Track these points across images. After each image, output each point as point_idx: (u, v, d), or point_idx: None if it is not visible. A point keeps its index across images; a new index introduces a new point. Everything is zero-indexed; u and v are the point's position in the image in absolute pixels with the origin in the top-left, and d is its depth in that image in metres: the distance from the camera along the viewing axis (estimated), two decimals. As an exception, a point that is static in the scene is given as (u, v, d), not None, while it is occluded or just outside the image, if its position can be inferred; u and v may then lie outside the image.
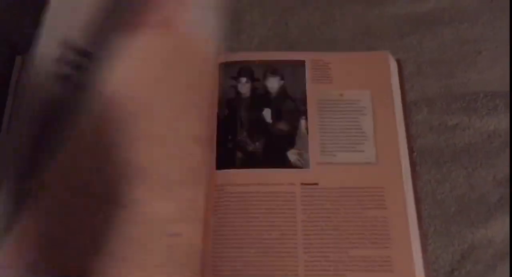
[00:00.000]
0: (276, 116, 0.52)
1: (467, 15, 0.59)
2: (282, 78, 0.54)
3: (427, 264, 0.46)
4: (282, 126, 0.52)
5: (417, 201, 0.49)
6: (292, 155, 0.50)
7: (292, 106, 0.52)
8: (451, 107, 0.54)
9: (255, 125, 0.52)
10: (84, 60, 0.48)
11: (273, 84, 0.53)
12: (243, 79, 0.54)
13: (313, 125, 0.51)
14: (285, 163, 0.50)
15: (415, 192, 0.49)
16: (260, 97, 0.53)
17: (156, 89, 0.49)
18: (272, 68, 0.54)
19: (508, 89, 0.54)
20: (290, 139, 0.51)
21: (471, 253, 0.47)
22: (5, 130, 0.51)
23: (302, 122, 0.51)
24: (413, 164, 0.51)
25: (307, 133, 0.51)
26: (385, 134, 0.51)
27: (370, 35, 0.58)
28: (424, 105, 0.54)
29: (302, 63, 0.54)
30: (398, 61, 0.56)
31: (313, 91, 0.53)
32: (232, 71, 0.54)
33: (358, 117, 0.52)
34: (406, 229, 0.47)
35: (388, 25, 0.59)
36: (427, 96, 0.54)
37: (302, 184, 0.49)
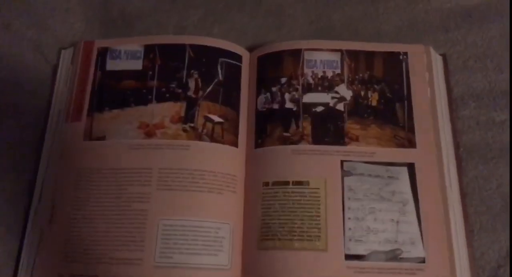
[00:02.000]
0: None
1: (514, 10, 0.58)
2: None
3: (473, 260, 0.46)
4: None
5: (463, 197, 0.49)
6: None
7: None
8: (498, 102, 0.53)
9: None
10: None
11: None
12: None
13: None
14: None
15: (461, 188, 0.49)
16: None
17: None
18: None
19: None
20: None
21: (518, 249, 0.47)
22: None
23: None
24: (459, 160, 0.51)
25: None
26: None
27: (414, 29, 0.58)
28: (471, 100, 0.54)
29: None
30: (443, 56, 0.55)
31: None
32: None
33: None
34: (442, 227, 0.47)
35: (433, 19, 0.58)
36: (474, 92, 0.54)
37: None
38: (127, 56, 0.54)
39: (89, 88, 0.53)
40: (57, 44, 0.57)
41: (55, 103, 0.53)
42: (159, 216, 0.46)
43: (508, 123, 0.52)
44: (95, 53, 0.55)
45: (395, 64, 0.54)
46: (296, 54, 0.54)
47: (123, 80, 0.53)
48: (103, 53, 0.55)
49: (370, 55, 0.54)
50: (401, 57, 0.54)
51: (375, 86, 0.53)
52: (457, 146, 0.51)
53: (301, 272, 0.45)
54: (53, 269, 0.46)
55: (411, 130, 0.51)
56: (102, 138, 0.50)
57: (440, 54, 0.55)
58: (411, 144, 0.50)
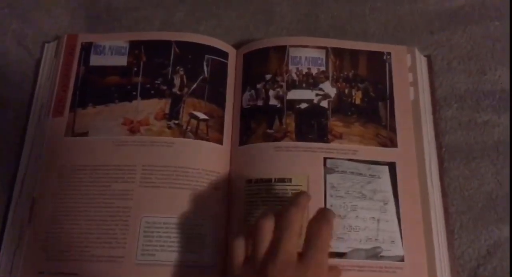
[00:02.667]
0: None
1: (498, 12, 0.59)
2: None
3: (453, 259, 0.47)
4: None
5: (444, 196, 0.49)
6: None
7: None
8: (481, 104, 0.54)
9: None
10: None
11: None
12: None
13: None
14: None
15: (442, 188, 0.50)
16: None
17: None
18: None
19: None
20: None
21: (498, 249, 0.48)
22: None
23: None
24: (441, 160, 0.51)
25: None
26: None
27: (400, 31, 0.58)
28: (453, 101, 0.54)
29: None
30: (428, 57, 0.56)
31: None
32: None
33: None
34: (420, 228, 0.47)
35: (419, 21, 0.59)
36: (457, 93, 0.55)
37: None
38: (112, 51, 0.54)
39: (72, 83, 0.53)
40: (41, 37, 0.57)
41: (37, 97, 0.53)
42: (142, 213, 0.46)
43: (490, 123, 0.53)
44: (78, 47, 0.54)
45: (379, 63, 0.54)
46: (281, 50, 0.54)
47: (107, 76, 0.53)
48: (87, 48, 0.54)
49: (355, 53, 0.55)
50: (384, 57, 0.54)
51: (359, 84, 0.53)
52: (439, 146, 0.52)
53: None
54: (33, 267, 0.45)
55: (393, 129, 0.51)
56: (85, 134, 0.50)
57: (425, 56, 0.56)
58: (393, 143, 0.51)
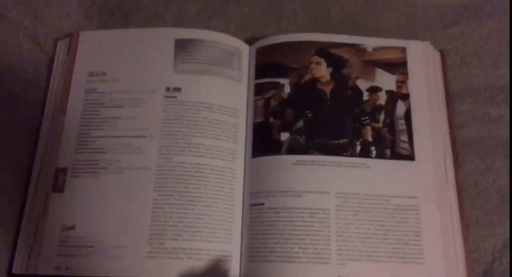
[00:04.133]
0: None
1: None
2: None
3: (468, 253, 0.47)
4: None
5: (459, 191, 0.49)
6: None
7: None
8: (495, 98, 0.54)
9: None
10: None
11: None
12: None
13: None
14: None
15: (457, 182, 0.50)
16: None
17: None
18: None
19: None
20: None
21: (513, 243, 0.48)
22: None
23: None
24: (455, 154, 0.51)
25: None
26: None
27: (413, 25, 0.58)
28: (468, 95, 0.54)
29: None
30: (441, 52, 0.56)
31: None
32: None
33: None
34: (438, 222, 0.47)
35: (431, 15, 0.59)
36: (471, 87, 0.54)
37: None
38: (125, 49, 0.54)
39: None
40: (54, 34, 0.56)
41: (51, 95, 0.53)
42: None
43: (505, 118, 0.53)
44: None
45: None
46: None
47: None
48: (101, 45, 0.54)
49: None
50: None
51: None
52: (453, 141, 0.52)
53: None
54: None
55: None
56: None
57: (438, 50, 0.56)
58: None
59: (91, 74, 0.52)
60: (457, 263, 0.46)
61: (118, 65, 0.53)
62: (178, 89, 0.51)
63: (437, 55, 0.55)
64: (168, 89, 0.51)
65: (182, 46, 0.53)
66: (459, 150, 0.52)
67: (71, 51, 0.54)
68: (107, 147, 0.49)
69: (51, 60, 0.55)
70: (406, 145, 0.50)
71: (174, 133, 0.49)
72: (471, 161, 0.51)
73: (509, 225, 0.48)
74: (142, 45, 0.53)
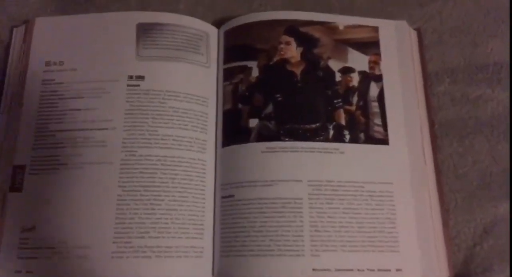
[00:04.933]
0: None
1: (489, -17, 0.56)
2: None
3: (448, 239, 0.46)
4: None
5: (438, 175, 0.48)
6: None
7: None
8: (473, 78, 0.52)
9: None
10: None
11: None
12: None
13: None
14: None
15: (436, 166, 0.48)
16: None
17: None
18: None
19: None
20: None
21: (493, 227, 0.46)
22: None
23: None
24: (433, 137, 0.49)
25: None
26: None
27: (389, 3, 0.56)
28: (445, 76, 0.52)
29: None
30: (418, 30, 0.53)
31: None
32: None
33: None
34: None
35: (408, -8, 0.56)
36: (448, 67, 0.52)
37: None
38: (85, 34, 0.51)
39: (43, 69, 0.49)
40: (10, 22, 0.53)
41: (7, 87, 0.49)
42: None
43: (484, 98, 0.51)
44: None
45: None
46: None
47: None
48: (59, 31, 0.51)
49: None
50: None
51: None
52: (431, 123, 0.50)
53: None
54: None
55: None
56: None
57: (415, 29, 0.54)
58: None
59: (48, 63, 0.49)
60: (437, 249, 0.45)
61: (77, 53, 0.49)
62: (141, 77, 0.48)
63: (413, 34, 0.53)
64: (130, 77, 0.48)
65: (144, 31, 0.50)
66: (437, 132, 0.50)
67: (27, 39, 0.50)
68: (67, 142, 0.46)
69: (7, 49, 0.51)
70: (380, 129, 0.48)
71: (138, 124, 0.46)
72: (450, 143, 0.49)
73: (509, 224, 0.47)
74: (102, 31, 0.50)
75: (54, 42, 0.50)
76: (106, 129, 0.46)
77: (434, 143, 0.49)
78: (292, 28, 0.51)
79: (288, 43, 0.50)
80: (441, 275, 0.44)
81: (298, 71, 0.49)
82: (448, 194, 0.48)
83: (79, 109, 0.47)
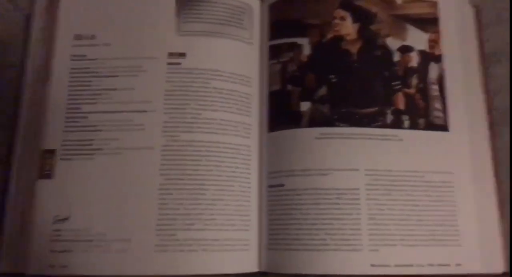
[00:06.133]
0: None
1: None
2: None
3: (505, 232, 0.43)
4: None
5: (496, 164, 0.45)
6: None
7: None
8: (534, 60, 0.48)
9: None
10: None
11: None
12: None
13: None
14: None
15: (494, 153, 0.45)
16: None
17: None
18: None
19: None
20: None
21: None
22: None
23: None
24: (492, 123, 0.46)
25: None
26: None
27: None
28: (504, 57, 0.48)
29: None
30: (477, 7, 0.49)
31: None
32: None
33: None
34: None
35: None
36: (507, 48, 0.49)
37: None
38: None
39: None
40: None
41: (30, 63, 0.45)
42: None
43: (545, 82, 0.47)
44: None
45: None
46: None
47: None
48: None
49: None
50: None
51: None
52: (489, 108, 0.46)
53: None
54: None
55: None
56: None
57: (473, 6, 0.49)
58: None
59: (77, 37, 0.44)
60: (494, 242, 0.42)
61: (110, 26, 0.45)
62: (182, 55, 0.43)
63: (471, 11, 0.49)
64: (171, 54, 0.43)
65: (184, 3, 0.45)
66: (495, 119, 0.47)
67: (52, 9, 0.45)
68: (101, 125, 0.42)
69: (28, 19, 0.46)
70: (440, 114, 0.45)
71: (180, 106, 0.42)
72: (508, 131, 0.46)
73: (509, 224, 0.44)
74: (139, 3, 0.45)
75: (84, 14, 0.45)
76: (145, 111, 0.42)
77: (492, 130, 0.46)
78: (348, 2, 0.46)
79: (343, 18, 0.46)
80: (499, 270, 0.42)
81: (354, 49, 0.45)
82: (505, 184, 0.45)
83: (114, 89, 0.43)
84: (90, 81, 0.43)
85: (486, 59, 0.48)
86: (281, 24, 0.46)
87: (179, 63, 0.43)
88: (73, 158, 0.41)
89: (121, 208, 0.40)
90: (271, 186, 0.43)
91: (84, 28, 0.44)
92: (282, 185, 0.42)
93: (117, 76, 0.43)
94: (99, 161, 0.41)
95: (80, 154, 0.41)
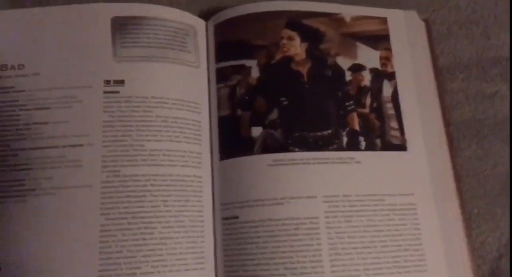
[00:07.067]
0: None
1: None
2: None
3: (472, 251, 0.41)
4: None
5: (457, 180, 0.43)
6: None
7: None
8: (488, 72, 0.47)
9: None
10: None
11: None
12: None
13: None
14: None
15: (455, 171, 0.44)
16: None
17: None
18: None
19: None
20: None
21: (520, 235, 0.43)
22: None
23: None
24: (450, 139, 0.45)
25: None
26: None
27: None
28: (458, 71, 0.47)
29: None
30: (426, 21, 0.49)
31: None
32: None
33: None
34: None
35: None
36: (460, 61, 0.48)
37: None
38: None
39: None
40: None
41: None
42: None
43: (500, 94, 0.47)
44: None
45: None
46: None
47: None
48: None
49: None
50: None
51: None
52: (446, 124, 0.45)
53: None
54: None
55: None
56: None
57: (422, 20, 0.49)
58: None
59: (3, 67, 0.40)
60: (463, 264, 0.40)
61: (40, 55, 0.41)
62: (120, 82, 0.40)
63: (422, 26, 0.48)
64: (107, 82, 0.40)
65: (121, 26, 0.42)
66: (453, 134, 0.45)
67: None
68: (33, 162, 0.38)
69: None
70: (397, 133, 0.43)
71: (120, 138, 0.39)
72: (468, 146, 0.45)
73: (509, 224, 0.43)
74: (70, 27, 0.42)
75: (11, 41, 0.41)
76: (81, 145, 0.38)
77: (451, 146, 0.45)
78: (295, 21, 0.44)
79: (291, 38, 0.44)
80: (469, 291, 0.40)
81: (304, 70, 0.43)
82: (469, 200, 0.43)
83: (45, 123, 0.39)
84: (18, 115, 0.39)
85: (440, 74, 0.47)
86: (228, 45, 0.44)
87: (117, 92, 0.40)
88: (4, 201, 0.37)
89: (59, 255, 0.36)
90: (225, 219, 0.40)
91: (11, 57, 0.41)
92: (236, 217, 0.39)
93: (49, 108, 0.39)
94: (32, 203, 0.37)
95: (11, 196, 0.37)
